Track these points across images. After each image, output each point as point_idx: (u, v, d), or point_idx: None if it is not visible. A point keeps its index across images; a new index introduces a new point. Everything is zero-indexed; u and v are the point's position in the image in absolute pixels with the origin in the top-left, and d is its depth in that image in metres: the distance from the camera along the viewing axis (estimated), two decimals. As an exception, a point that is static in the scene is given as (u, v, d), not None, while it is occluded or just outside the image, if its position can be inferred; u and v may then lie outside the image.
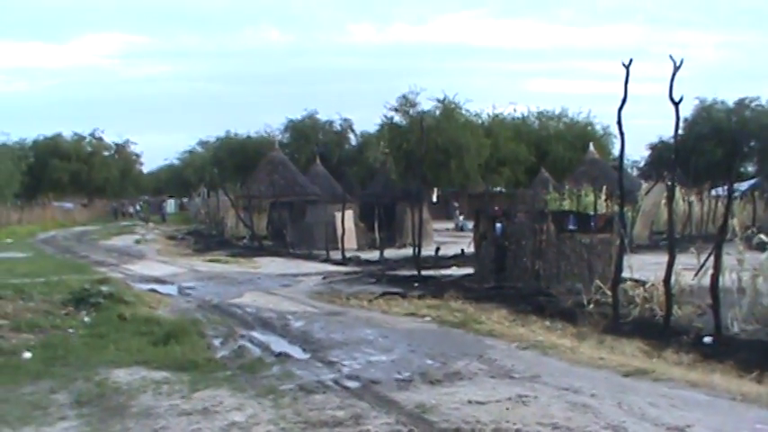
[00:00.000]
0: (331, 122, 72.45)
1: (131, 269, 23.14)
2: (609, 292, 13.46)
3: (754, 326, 11.67)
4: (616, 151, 14.38)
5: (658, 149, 73.12)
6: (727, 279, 12.58)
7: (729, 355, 9.93)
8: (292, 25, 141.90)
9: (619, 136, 13.65)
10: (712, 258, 11.69)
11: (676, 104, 11.83)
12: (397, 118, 59.07)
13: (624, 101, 12.70)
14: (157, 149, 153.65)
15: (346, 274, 21.30)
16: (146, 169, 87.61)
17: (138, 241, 37.78)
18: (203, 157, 76.97)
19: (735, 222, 14.21)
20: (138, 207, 73.63)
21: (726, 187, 25.82)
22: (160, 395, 8.50)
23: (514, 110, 72.91)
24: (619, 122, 13.02)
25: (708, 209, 34.31)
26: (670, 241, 12.84)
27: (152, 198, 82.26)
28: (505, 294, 15.52)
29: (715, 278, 11.13)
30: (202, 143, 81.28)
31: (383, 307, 15.25)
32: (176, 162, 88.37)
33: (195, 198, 62.39)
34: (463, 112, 58.94)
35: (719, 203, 31.27)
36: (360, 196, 39.02)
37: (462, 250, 24.50)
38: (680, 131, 12.32)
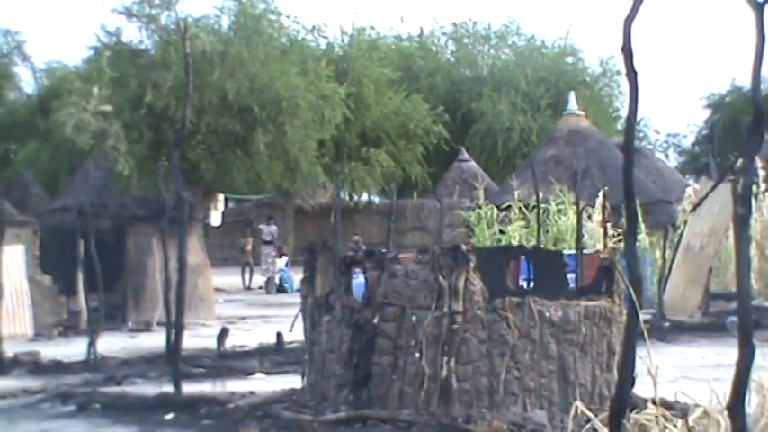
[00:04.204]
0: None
1: None
2: (604, 430, 11.71)
3: None
4: (625, 112, 10.72)
5: (730, 109, 63.44)
6: None
7: None
8: None
9: (628, 76, 10.03)
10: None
11: (761, 5, 9.35)
12: (131, 32, 44.83)
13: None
14: None
15: (4, 397, 17.98)
16: None
17: None
18: None
19: None
20: None
21: None
22: None
23: (402, 20, 63.55)
24: (627, 47, 9.70)
25: None
26: (742, 313, 10.08)
27: None
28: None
29: None
30: None
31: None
32: None
33: None
34: (282, 22, 46.52)
35: None
36: (42, 215, 32.35)
37: (279, 336, 21.69)
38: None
